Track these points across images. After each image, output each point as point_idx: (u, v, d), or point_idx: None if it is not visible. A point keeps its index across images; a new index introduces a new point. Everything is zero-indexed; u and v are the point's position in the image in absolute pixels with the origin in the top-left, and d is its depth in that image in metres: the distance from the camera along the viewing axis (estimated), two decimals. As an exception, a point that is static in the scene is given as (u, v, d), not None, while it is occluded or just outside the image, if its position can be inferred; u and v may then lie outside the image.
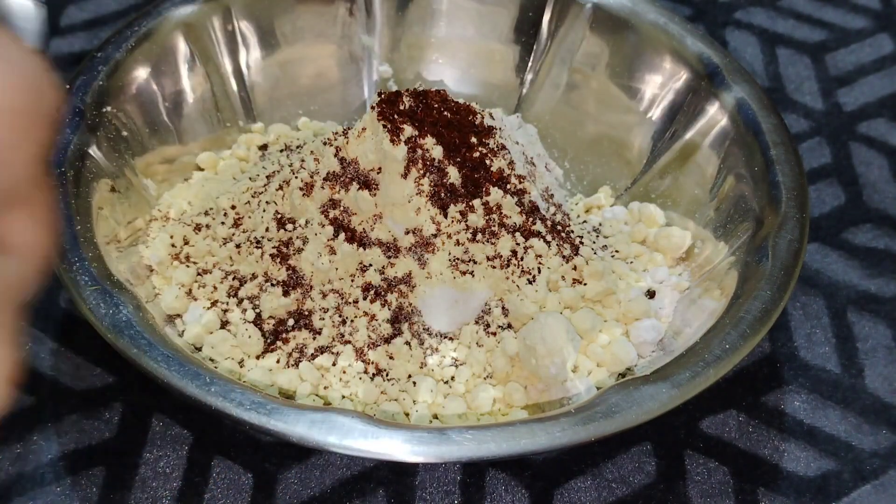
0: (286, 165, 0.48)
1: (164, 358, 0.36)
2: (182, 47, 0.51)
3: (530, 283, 0.43)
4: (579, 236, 0.47)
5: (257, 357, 0.42)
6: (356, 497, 0.41)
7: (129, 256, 0.44)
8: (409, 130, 0.42)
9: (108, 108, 0.46)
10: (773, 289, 0.40)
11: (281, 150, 0.52)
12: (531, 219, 0.44)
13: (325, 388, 0.41)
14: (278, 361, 0.42)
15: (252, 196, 0.47)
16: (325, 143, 0.45)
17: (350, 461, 0.43)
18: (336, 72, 0.56)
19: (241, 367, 0.42)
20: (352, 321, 0.42)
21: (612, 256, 0.47)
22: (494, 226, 0.42)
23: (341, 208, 0.43)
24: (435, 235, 0.42)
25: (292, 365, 0.42)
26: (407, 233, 0.42)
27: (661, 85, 0.52)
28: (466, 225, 0.42)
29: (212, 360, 0.42)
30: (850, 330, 0.49)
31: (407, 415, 0.41)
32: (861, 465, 0.44)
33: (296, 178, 0.45)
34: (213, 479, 0.42)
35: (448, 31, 0.57)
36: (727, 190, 0.47)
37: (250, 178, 0.49)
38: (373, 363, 0.42)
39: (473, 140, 0.43)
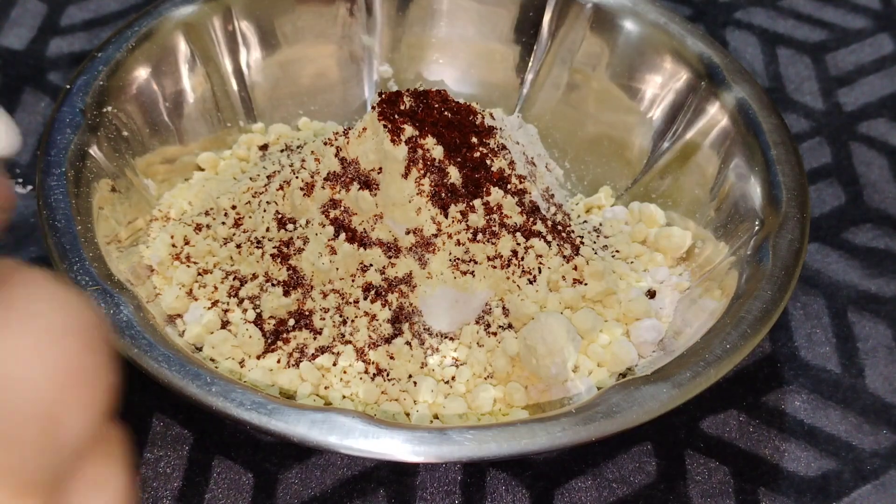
0: (286, 165, 0.48)
1: (165, 358, 0.36)
2: (182, 47, 0.51)
3: (531, 283, 0.43)
4: (580, 236, 0.47)
5: (258, 357, 0.42)
6: (357, 497, 0.41)
7: (129, 256, 0.44)
8: (409, 130, 0.42)
9: (109, 108, 0.46)
10: (774, 289, 0.40)
11: (281, 150, 0.52)
12: (532, 219, 0.44)
13: (325, 388, 0.41)
14: (279, 361, 0.42)
15: (252, 196, 0.47)
16: (325, 143, 0.45)
17: (351, 461, 0.43)
18: (336, 72, 0.56)
19: (241, 367, 0.42)
20: (352, 321, 0.42)
21: (613, 256, 0.47)
22: (495, 226, 0.42)
23: (342, 208, 0.43)
24: (435, 235, 0.42)
25: (293, 365, 0.42)
26: (407, 233, 0.42)
27: (661, 85, 0.52)
28: (467, 225, 0.42)
29: (212, 360, 0.42)
30: (850, 330, 0.49)
31: (407, 415, 0.41)
32: (861, 464, 0.44)
33: (296, 178, 0.45)
34: (214, 479, 0.42)
35: (448, 30, 0.57)
36: (728, 190, 0.47)
37: (251, 178, 0.49)
38: (373, 363, 0.42)
39: (474, 140, 0.43)
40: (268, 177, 0.48)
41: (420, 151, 0.42)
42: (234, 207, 0.47)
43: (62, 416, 0.17)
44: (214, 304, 0.44)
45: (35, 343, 0.17)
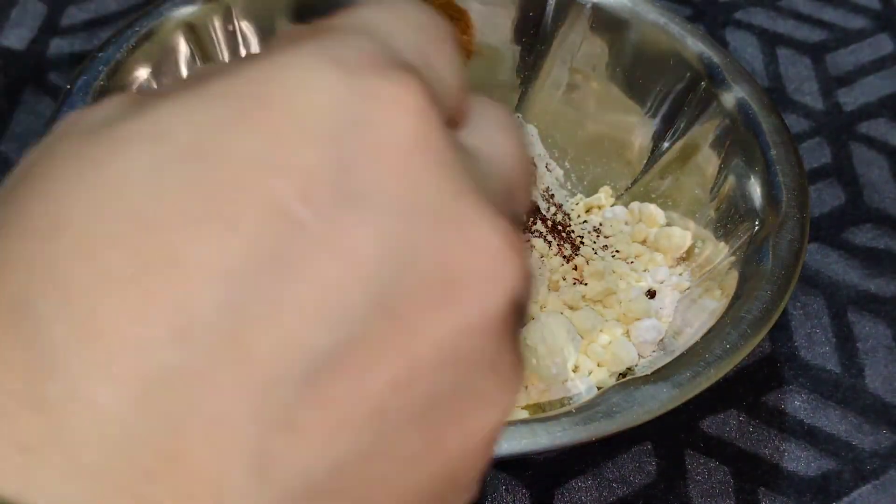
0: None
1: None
2: (183, 47, 0.51)
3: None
4: (580, 236, 0.47)
5: (258, 357, 0.42)
6: (357, 497, 0.41)
7: (129, 256, 0.44)
8: (409, 130, 0.42)
9: (109, 109, 0.46)
10: (774, 289, 0.40)
11: (281, 151, 0.52)
12: (531, 219, 0.44)
13: (325, 387, 0.41)
14: (279, 361, 0.42)
15: (253, 196, 0.47)
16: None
17: (351, 461, 0.42)
18: (336, 72, 0.56)
19: (241, 367, 0.42)
20: (352, 321, 0.42)
21: (613, 256, 0.47)
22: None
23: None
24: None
25: (293, 365, 0.42)
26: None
27: (661, 85, 0.52)
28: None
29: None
30: (850, 330, 0.49)
31: (408, 415, 0.41)
32: (861, 464, 0.44)
33: (296, 178, 0.45)
34: (214, 479, 0.42)
35: (448, 31, 0.57)
36: (727, 190, 0.47)
37: (251, 179, 0.49)
38: (373, 363, 0.42)
39: (474, 140, 0.44)
40: (268, 177, 0.48)
41: (420, 151, 0.42)
42: (234, 207, 0.46)
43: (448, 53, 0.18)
44: (215, 304, 0.44)
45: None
